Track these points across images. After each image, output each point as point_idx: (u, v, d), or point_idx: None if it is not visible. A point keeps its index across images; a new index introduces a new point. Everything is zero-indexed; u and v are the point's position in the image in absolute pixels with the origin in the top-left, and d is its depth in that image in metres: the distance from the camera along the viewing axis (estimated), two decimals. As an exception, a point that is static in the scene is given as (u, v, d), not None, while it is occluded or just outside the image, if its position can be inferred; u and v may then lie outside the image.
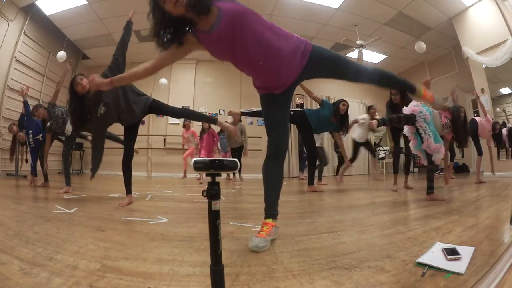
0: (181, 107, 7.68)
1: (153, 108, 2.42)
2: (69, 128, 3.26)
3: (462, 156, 6.62)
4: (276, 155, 1.38)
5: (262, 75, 1.29)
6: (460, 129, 2.78)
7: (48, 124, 3.41)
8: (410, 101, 3.27)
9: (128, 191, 2.43)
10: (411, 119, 2.64)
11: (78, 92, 2.24)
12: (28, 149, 4.40)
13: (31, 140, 4.07)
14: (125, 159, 2.40)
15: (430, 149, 2.55)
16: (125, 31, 2.42)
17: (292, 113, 3.58)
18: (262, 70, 1.25)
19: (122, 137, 2.76)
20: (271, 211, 1.36)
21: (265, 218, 1.34)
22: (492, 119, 4.59)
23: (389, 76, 1.50)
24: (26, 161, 4.87)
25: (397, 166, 3.64)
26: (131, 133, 2.45)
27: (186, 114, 2.60)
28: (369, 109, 5.07)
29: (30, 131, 4.02)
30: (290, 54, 1.24)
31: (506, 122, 5.34)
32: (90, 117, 2.25)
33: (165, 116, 7.60)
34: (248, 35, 1.17)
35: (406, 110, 2.81)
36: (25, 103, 4.16)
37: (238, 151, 5.43)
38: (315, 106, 4.38)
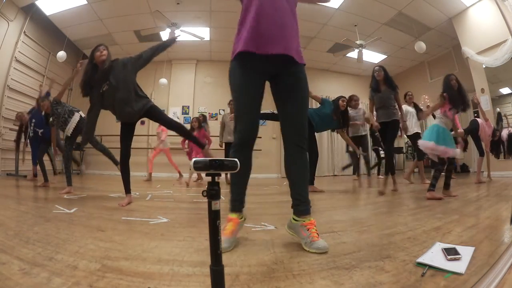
0: (181, 107, 7.76)
1: (150, 112, 2.43)
2: (69, 128, 3.26)
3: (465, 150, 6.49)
4: (245, 143, 1.28)
5: (271, 22, 1.21)
6: (455, 98, 2.69)
7: (50, 119, 3.40)
8: (390, 78, 3.38)
9: (127, 190, 2.44)
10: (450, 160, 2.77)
11: (95, 58, 2.30)
12: (28, 141, 4.38)
13: (31, 129, 4.07)
14: (122, 158, 2.41)
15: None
16: (168, 41, 2.54)
17: None
18: (276, 15, 1.22)
19: (116, 158, 3.06)
20: (237, 204, 1.30)
21: (230, 212, 1.28)
22: (494, 127, 4.59)
23: (307, 176, 1.36)
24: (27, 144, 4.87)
25: (392, 167, 3.56)
26: (127, 133, 2.46)
27: (178, 129, 2.56)
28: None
29: (34, 121, 4.02)
30: (295, 32, 1.28)
31: (507, 125, 5.34)
32: (93, 87, 2.31)
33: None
34: None
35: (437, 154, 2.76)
36: (48, 94, 4.18)
37: None
38: (315, 105, 4.38)
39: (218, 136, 5.03)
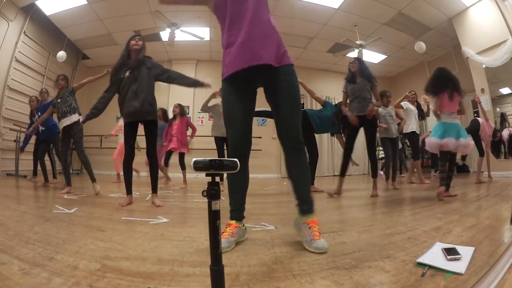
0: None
1: (149, 125, 2.44)
2: (63, 123, 3.21)
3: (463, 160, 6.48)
4: (239, 155, 1.27)
5: (245, 39, 1.24)
6: (455, 83, 2.72)
7: (58, 100, 3.32)
8: (367, 68, 3.09)
9: (128, 191, 2.43)
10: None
11: (130, 45, 2.38)
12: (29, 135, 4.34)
13: (34, 119, 4.05)
14: (125, 159, 2.41)
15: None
16: (196, 82, 2.52)
17: None
18: (248, 31, 1.24)
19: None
20: (235, 214, 1.32)
21: (230, 219, 1.31)
22: (495, 127, 4.57)
23: (307, 176, 1.34)
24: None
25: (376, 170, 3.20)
26: (131, 133, 2.46)
27: (154, 161, 2.50)
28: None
29: (39, 114, 4.00)
30: (274, 40, 1.28)
31: (508, 125, 5.33)
32: (119, 70, 2.37)
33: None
34: None
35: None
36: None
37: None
38: (316, 106, 4.37)
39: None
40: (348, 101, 3.15)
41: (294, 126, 1.29)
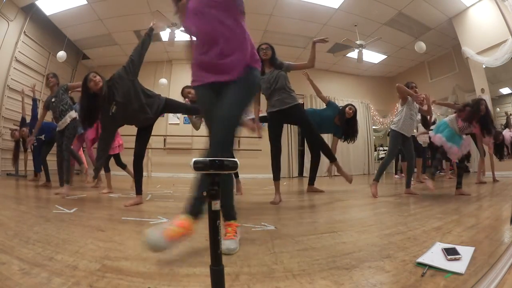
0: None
1: (167, 106, 2.42)
2: (63, 123, 3.11)
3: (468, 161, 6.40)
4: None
5: (217, 51, 1.28)
6: (473, 118, 2.82)
7: (53, 100, 3.15)
8: (275, 57, 2.66)
9: (138, 191, 2.42)
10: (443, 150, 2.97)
11: (90, 88, 2.19)
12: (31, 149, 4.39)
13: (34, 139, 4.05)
14: (134, 159, 2.39)
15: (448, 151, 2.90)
16: (147, 36, 2.46)
17: None
18: (220, 44, 1.27)
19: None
20: (230, 215, 1.33)
21: (227, 220, 1.32)
22: (498, 130, 4.55)
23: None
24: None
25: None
26: (143, 136, 2.43)
27: (194, 110, 2.49)
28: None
29: (33, 130, 3.99)
30: (245, 49, 1.31)
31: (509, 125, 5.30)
32: (101, 115, 2.26)
33: (165, 116, 7.61)
34: (223, 8, 1.26)
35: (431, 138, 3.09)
36: (34, 101, 4.13)
37: None
38: (317, 106, 4.36)
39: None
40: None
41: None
